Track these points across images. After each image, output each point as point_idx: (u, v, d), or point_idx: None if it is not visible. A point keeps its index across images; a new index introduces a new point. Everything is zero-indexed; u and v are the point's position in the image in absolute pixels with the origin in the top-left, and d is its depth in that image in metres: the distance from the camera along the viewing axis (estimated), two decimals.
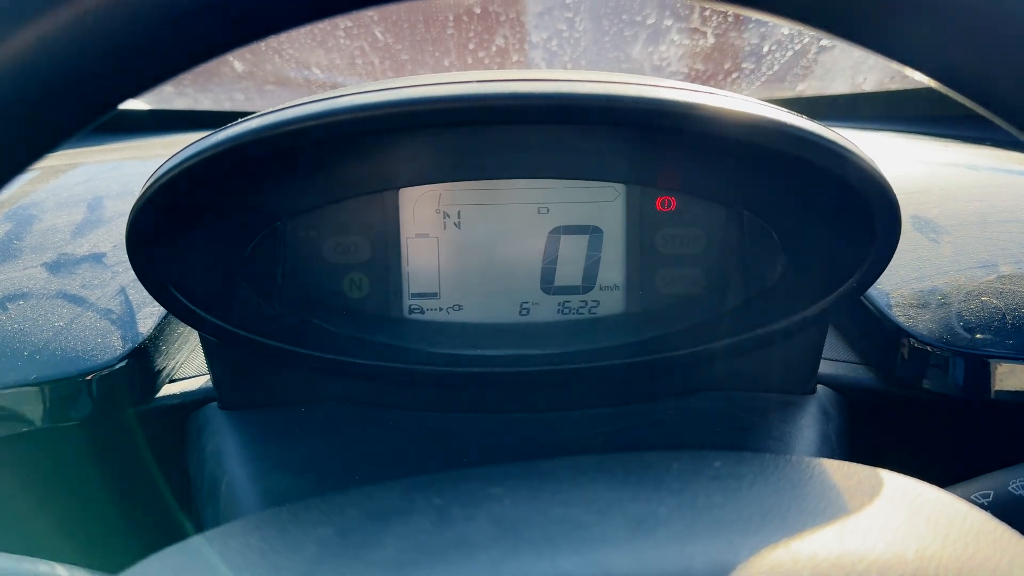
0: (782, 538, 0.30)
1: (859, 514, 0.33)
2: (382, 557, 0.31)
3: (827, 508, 0.34)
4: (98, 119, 0.29)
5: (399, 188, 0.66)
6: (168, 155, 0.53)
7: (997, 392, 0.65)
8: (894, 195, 0.54)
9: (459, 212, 0.67)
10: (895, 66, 0.30)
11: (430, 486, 0.38)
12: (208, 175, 0.52)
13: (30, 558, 0.48)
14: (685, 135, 0.59)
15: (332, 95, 0.53)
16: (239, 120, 0.53)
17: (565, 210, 0.67)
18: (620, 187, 0.66)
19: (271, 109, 0.53)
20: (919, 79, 0.31)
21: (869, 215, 0.55)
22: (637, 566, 0.28)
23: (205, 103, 1.40)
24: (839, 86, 1.35)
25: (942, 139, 1.15)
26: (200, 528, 0.63)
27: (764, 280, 0.65)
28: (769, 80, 1.31)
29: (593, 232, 0.67)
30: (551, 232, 0.67)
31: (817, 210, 0.61)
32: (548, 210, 0.67)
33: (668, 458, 0.39)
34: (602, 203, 0.67)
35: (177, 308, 0.58)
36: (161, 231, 0.55)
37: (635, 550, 0.29)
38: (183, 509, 0.69)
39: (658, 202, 0.67)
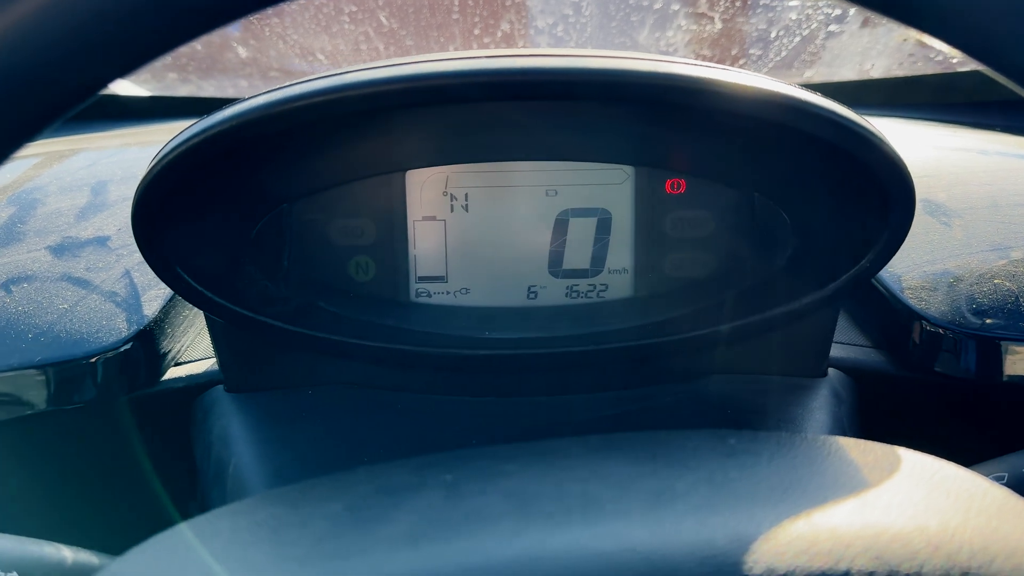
0: (802, 511, 0.30)
1: (879, 489, 0.33)
2: (394, 532, 0.30)
3: (846, 483, 0.34)
4: (81, 103, 0.29)
5: (406, 170, 0.65)
6: None
7: (1009, 375, 0.64)
8: (910, 177, 0.53)
9: (466, 194, 0.66)
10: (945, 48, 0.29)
11: (440, 463, 0.38)
12: (214, 154, 0.51)
13: (36, 539, 0.48)
14: (696, 115, 0.59)
15: (339, 71, 0.52)
16: (245, 98, 0.53)
17: (573, 193, 0.66)
18: (629, 169, 0.66)
19: (278, 87, 0.52)
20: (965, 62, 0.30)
21: (884, 197, 0.54)
22: (657, 539, 0.28)
23: (208, 90, 1.40)
24: (847, 72, 1.34)
25: (950, 125, 1.14)
26: (207, 510, 0.63)
27: (774, 262, 0.64)
28: (776, 66, 1.30)
29: (602, 215, 0.67)
30: (559, 215, 0.66)
31: (830, 192, 0.60)
32: (556, 193, 0.66)
33: (682, 436, 0.39)
34: (611, 185, 0.66)
35: (183, 288, 0.58)
36: (167, 210, 0.54)
37: (654, 523, 0.29)
38: (187, 492, 0.69)
39: (667, 184, 0.66)
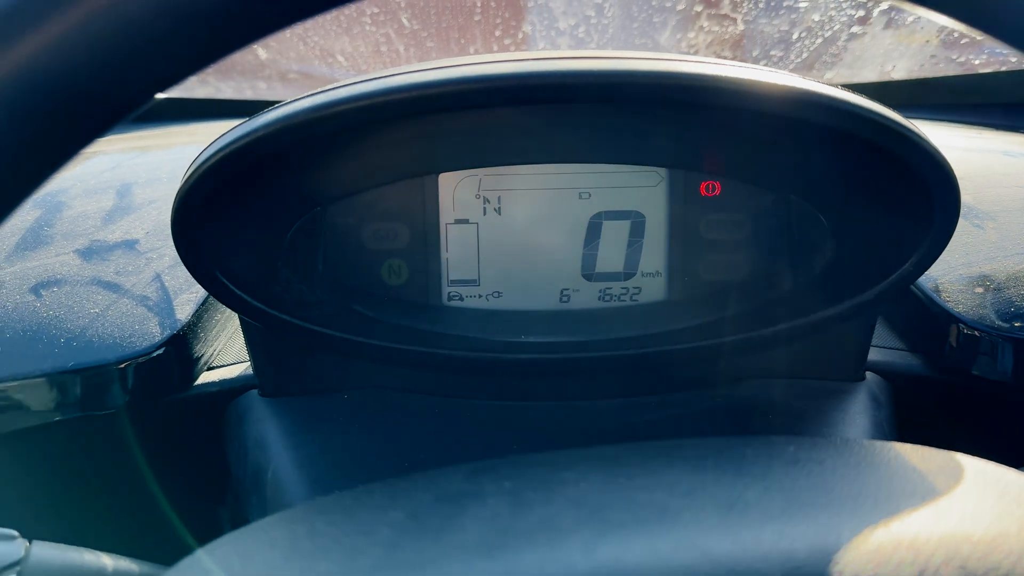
0: (879, 521, 0.29)
1: (948, 497, 0.32)
2: (466, 540, 0.30)
3: (914, 491, 0.33)
4: (125, 116, 0.29)
5: (438, 173, 0.65)
6: (192, 143, 0.53)
7: None
8: (955, 179, 0.53)
9: (499, 197, 0.66)
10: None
11: (494, 470, 0.37)
12: (258, 157, 0.51)
13: (75, 547, 0.47)
14: (731, 117, 0.58)
15: (381, 75, 0.52)
16: (282, 103, 0.52)
17: (606, 195, 0.66)
18: (663, 171, 0.65)
19: (320, 90, 0.52)
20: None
21: (927, 199, 0.54)
22: (737, 548, 0.27)
23: (227, 91, 1.39)
24: (868, 74, 1.34)
25: (973, 127, 1.14)
26: (241, 517, 0.62)
27: (812, 267, 0.64)
28: (798, 67, 1.30)
29: (635, 218, 0.66)
30: (592, 218, 0.66)
31: (869, 194, 0.60)
32: (589, 195, 0.66)
33: (738, 443, 0.38)
34: (644, 188, 0.66)
35: (221, 292, 0.57)
36: (206, 216, 0.54)
37: (732, 532, 0.28)
38: (221, 498, 0.69)
39: (702, 187, 0.66)
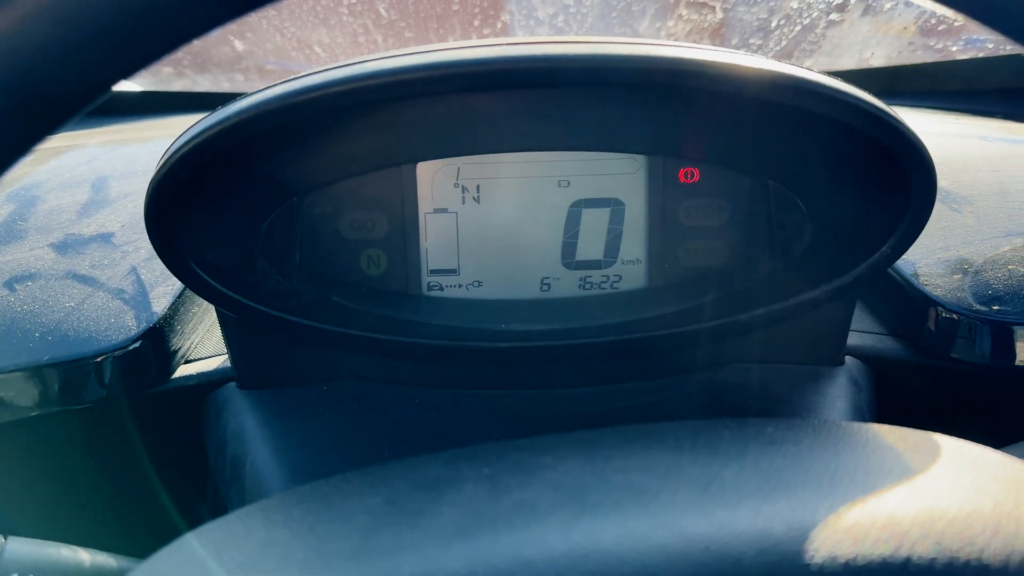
0: (856, 498, 0.29)
1: (925, 475, 0.33)
2: (442, 524, 0.30)
3: (891, 470, 0.33)
4: (90, 105, 0.28)
5: (416, 162, 0.64)
6: (169, 137, 0.52)
7: None
8: (931, 161, 0.53)
9: (478, 186, 0.65)
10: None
11: (473, 456, 0.37)
12: (229, 147, 0.50)
13: (52, 542, 0.47)
14: (709, 102, 0.58)
15: (353, 62, 0.51)
16: (256, 91, 0.52)
17: (586, 183, 0.65)
18: (641, 159, 0.65)
19: (291, 78, 0.51)
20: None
21: (904, 182, 0.54)
22: (713, 527, 0.27)
23: (204, 84, 1.38)
24: (847, 61, 1.34)
25: (950, 113, 1.14)
26: (221, 510, 0.62)
27: (791, 251, 0.64)
28: (777, 55, 1.30)
29: (615, 205, 0.66)
30: (572, 206, 0.66)
31: (846, 178, 0.60)
32: (568, 183, 0.65)
33: (717, 425, 0.38)
34: (623, 175, 0.66)
35: (196, 283, 0.57)
36: (180, 204, 0.53)
37: (708, 512, 0.28)
38: (199, 491, 0.68)
39: (681, 173, 0.66)
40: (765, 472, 0.32)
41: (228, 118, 0.48)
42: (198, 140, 0.49)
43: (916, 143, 0.52)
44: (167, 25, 0.26)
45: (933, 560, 0.27)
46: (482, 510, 0.30)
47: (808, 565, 0.26)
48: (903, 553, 0.27)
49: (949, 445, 0.36)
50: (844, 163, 0.59)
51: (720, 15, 1.31)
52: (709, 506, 0.29)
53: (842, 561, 0.26)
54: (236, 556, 0.31)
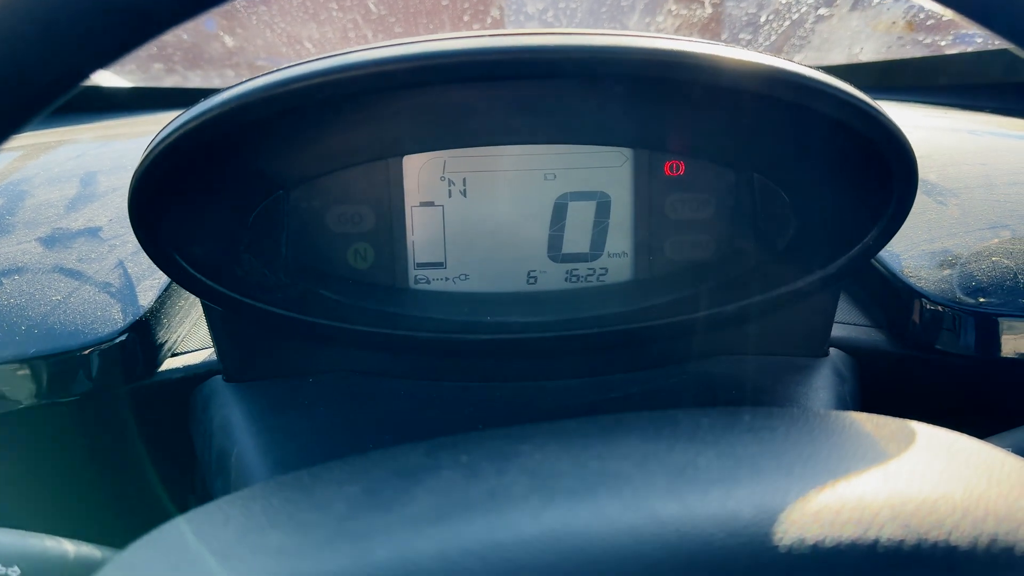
0: (827, 482, 0.30)
1: (898, 460, 0.33)
2: (416, 511, 0.30)
3: (865, 455, 0.33)
4: (60, 98, 0.28)
5: (402, 155, 0.64)
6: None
7: (1008, 352, 0.64)
8: (912, 151, 0.53)
9: (464, 179, 0.65)
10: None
11: (452, 446, 0.37)
12: (212, 138, 0.50)
13: (37, 534, 0.47)
14: (695, 95, 0.58)
15: (338, 53, 0.51)
16: (239, 83, 0.52)
17: (572, 176, 0.66)
18: (627, 152, 0.65)
19: (275, 69, 0.52)
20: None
21: (886, 173, 0.54)
22: (683, 510, 0.28)
23: (194, 80, 1.38)
24: (836, 56, 1.35)
25: (939, 107, 1.15)
26: (208, 501, 0.62)
27: (776, 243, 0.64)
28: (766, 50, 1.30)
29: (601, 198, 0.66)
30: (558, 199, 0.66)
31: (829, 170, 0.60)
32: (555, 176, 0.66)
33: (696, 414, 0.39)
34: (609, 168, 0.66)
35: (181, 276, 0.57)
36: (164, 197, 0.53)
37: (679, 496, 0.28)
38: (186, 484, 0.68)
39: (666, 167, 0.66)
40: (740, 458, 0.32)
41: (210, 110, 0.49)
42: (180, 132, 0.49)
43: (896, 133, 0.52)
44: (134, 17, 0.26)
45: (901, 542, 0.27)
46: (457, 496, 0.31)
47: (777, 547, 0.26)
48: (871, 535, 0.27)
49: (924, 432, 0.37)
50: (828, 155, 0.59)
51: (709, 10, 1.31)
52: (682, 490, 0.29)
53: (810, 543, 0.27)
54: (212, 544, 0.32)
